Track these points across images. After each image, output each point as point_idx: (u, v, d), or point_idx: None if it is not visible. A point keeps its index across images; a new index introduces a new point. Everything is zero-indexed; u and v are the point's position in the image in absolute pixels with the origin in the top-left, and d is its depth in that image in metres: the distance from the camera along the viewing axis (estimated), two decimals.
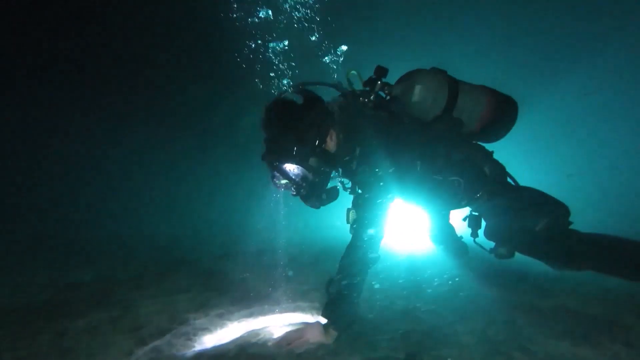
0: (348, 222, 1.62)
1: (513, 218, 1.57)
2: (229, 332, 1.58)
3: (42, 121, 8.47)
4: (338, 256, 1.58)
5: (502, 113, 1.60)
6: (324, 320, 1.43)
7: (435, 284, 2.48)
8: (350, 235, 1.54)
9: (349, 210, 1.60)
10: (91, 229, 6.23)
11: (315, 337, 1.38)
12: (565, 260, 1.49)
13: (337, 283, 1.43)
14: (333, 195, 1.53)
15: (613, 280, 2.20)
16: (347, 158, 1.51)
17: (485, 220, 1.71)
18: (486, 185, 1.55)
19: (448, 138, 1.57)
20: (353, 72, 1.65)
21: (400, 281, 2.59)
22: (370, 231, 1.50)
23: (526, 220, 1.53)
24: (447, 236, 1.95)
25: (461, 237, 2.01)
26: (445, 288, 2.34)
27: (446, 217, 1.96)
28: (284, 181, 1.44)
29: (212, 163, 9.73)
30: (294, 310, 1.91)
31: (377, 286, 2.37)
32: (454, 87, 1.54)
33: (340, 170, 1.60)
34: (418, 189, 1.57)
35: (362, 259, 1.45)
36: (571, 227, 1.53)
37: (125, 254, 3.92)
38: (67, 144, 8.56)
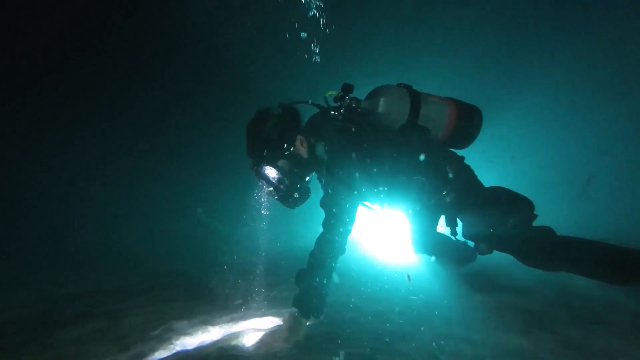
0: None
1: (485, 216, 1.68)
2: (210, 336, 1.70)
3: (29, 130, 8.23)
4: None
5: (465, 121, 1.78)
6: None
7: (405, 289, 2.68)
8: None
9: None
10: (77, 241, 6.09)
11: (285, 327, 1.56)
12: (537, 259, 1.60)
13: (306, 276, 1.61)
14: (305, 194, 1.68)
15: (557, 280, 2.49)
16: (317, 162, 1.67)
17: (460, 220, 1.82)
18: (449, 184, 1.70)
19: (414, 143, 1.72)
20: (331, 92, 1.84)
21: (369, 290, 2.78)
22: (336, 228, 1.68)
23: (497, 217, 1.64)
24: (440, 243, 1.93)
25: (464, 241, 1.93)
26: (413, 292, 2.55)
27: (433, 221, 1.92)
28: (270, 188, 1.61)
29: (194, 173, 9.72)
30: (274, 315, 2.05)
31: (350, 290, 2.55)
32: (416, 98, 1.73)
33: (320, 174, 1.75)
34: (387, 189, 1.73)
35: (328, 254, 1.63)
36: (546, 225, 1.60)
37: (112, 267, 3.91)
38: (53, 157, 8.35)
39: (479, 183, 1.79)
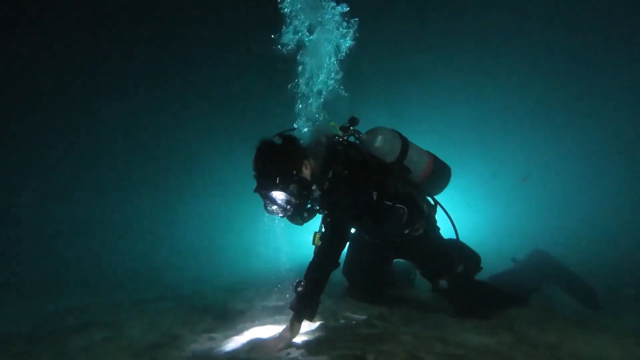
0: (313, 243, 2.05)
1: (442, 260, 2.07)
2: (217, 343, 1.86)
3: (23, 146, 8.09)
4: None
5: (438, 172, 2.19)
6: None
7: (391, 297, 2.91)
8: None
9: (315, 233, 2.03)
10: (65, 259, 5.99)
11: (285, 331, 1.78)
12: (470, 312, 2.04)
13: (303, 284, 1.83)
14: (312, 213, 1.94)
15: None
16: (319, 182, 1.92)
17: (419, 260, 2.23)
18: (423, 219, 2.04)
19: (397, 176, 2.09)
20: (332, 123, 2.19)
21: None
22: (333, 244, 1.94)
23: (451, 262, 2.04)
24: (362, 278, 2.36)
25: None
26: (398, 299, 2.79)
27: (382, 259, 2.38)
28: (274, 207, 1.84)
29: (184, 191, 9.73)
30: (272, 323, 2.23)
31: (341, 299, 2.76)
32: (405, 143, 2.12)
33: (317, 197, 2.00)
34: (371, 212, 2.02)
35: (324, 265, 1.87)
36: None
37: (103, 283, 3.94)
38: (47, 173, 8.21)
39: (439, 232, 2.22)
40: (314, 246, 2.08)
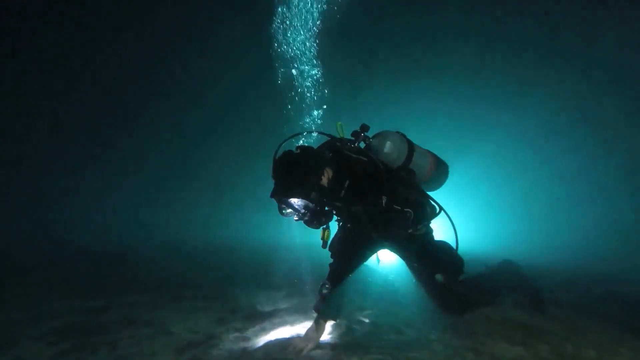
0: (322, 238, 2.10)
1: (436, 257, 2.12)
2: (250, 342, 1.94)
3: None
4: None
5: (439, 171, 2.27)
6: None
7: (418, 303, 2.91)
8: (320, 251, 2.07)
9: (323, 229, 2.09)
10: (98, 257, 6.32)
11: (311, 331, 1.84)
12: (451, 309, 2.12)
13: (327, 286, 1.91)
14: (329, 217, 1.98)
15: (551, 297, 2.74)
16: (336, 189, 1.96)
17: (415, 255, 2.23)
18: (426, 221, 2.11)
19: (405, 181, 2.12)
20: (340, 123, 2.24)
21: (382, 304, 3.00)
22: (351, 247, 1.98)
23: (443, 261, 2.10)
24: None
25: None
26: (425, 305, 2.78)
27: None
28: (289, 210, 1.90)
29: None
30: (296, 322, 2.29)
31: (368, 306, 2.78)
32: (412, 147, 2.19)
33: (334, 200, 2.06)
34: (381, 217, 2.06)
35: (345, 268, 1.96)
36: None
37: (135, 282, 4.14)
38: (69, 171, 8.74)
39: (432, 234, 2.28)
40: (321, 240, 2.13)
